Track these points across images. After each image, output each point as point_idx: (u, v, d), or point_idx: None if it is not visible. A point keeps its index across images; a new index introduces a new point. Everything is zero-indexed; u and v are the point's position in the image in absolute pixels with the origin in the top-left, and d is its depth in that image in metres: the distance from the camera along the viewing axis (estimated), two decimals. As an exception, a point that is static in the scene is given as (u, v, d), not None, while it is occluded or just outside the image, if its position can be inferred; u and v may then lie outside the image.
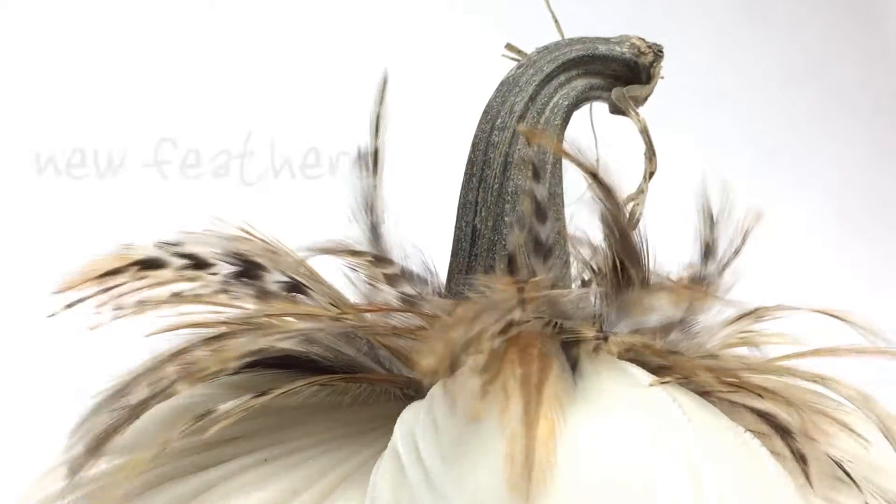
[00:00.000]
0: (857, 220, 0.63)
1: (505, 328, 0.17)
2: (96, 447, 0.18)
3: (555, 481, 0.15)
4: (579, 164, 0.19)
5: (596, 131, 0.24)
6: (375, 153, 0.23)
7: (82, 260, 0.18)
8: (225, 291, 0.19)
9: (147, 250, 0.19)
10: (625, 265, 0.20)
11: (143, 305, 0.19)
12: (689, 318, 0.21)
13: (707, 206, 0.22)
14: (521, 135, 0.21)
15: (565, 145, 0.20)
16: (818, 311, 0.22)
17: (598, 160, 0.20)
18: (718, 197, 0.22)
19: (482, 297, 0.18)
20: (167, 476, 0.19)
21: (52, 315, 0.19)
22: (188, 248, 0.19)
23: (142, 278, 0.19)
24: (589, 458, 0.16)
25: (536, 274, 0.20)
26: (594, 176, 0.19)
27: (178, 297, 0.19)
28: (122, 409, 0.18)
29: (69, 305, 0.19)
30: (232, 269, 0.19)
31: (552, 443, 0.16)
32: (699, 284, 0.21)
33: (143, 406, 0.18)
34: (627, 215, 0.20)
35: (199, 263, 0.19)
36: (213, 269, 0.19)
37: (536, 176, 0.20)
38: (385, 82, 0.23)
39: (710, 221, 0.22)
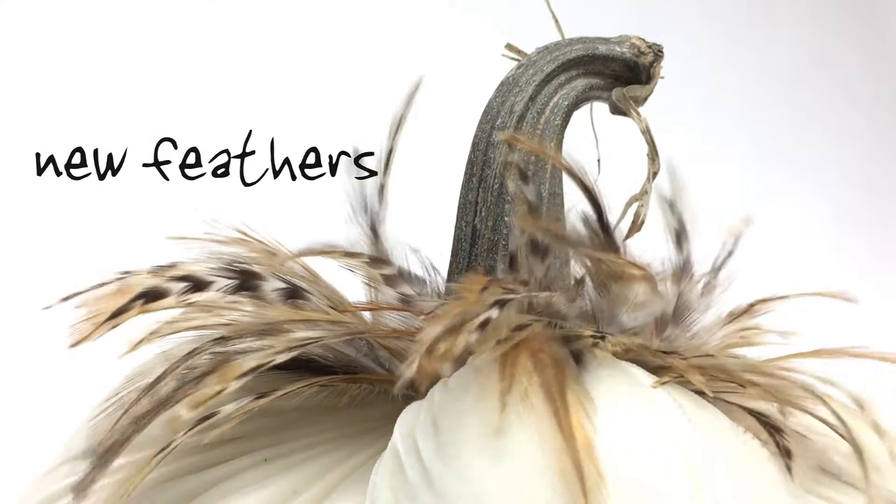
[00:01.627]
0: (858, 217, 0.63)
1: (483, 324, 0.17)
2: (102, 463, 0.18)
3: (608, 490, 0.15)
4: (562, 165, 0.19)
5: (597, 131, 0.24)
6: (389, 153, 0.23)
7: (83, 301, 0.18)
8: (226, 308, 0.20)
9: (144, 280, 0.19)
10: (603, 262, 0.19)
11: (155, 333, 0.19)
12: (680, 311, 0.21)
13: (663, 194, 0.22)
14: (504, 142, 0.21)
15: (546, 147, 0.20)
16: (808, 295, 0.22)
17: (598, 160, 0.19)
18: (669, 182, 0.22)
19: (454, 299, 0.18)
20: (167, 476, 0.19)
21: (70, 343, 0.19)
22: (184, 270, 0.19)
23: (147, 312, 0.19)
24: (626, 461, 0.16)
25: (534, 273, 0.20)
26: (573, 175, 0.19)
27: (186, 317, 0.19)
28: (126, 423, 0.18)
29: (66, 298, 0.19)
30: (229, 282, 0.19)
31: (595, 453, 0.16)
32: (681, 274, 0.21)
33: (146, 418, 0.18)
34: (605, 215, 0.20)
35: (197, 285, 0.19)
36: (211, 288, 0.19)
37: (524, 178, 0.20)
38: (418, 86, 0.23)
39: (670, 207, 0.22)
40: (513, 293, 0.18)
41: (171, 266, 0.19)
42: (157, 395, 0.18)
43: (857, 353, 0.20)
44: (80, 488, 0.18)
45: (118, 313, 0.18)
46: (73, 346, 0.18)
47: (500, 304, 0.17)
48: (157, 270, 0.19)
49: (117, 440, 0.18)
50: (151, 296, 0.19)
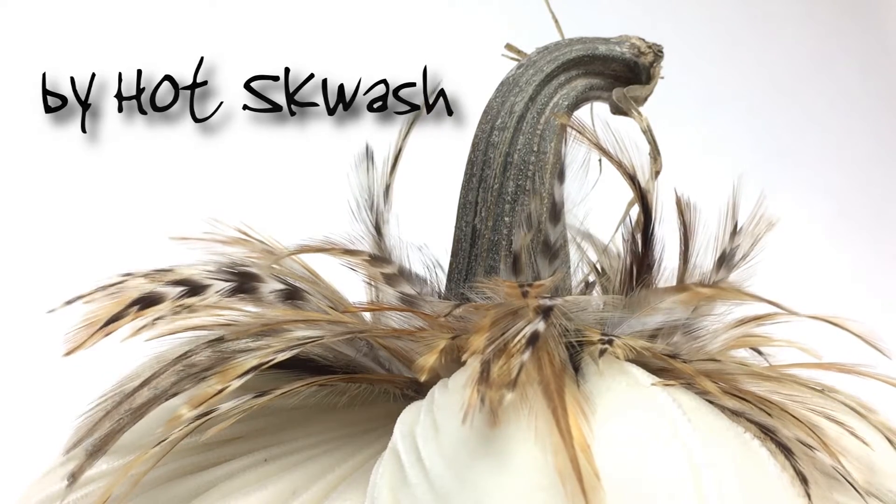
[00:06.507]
0: (859, 220, 0.63)
1: (532, 338, 0.17)
2: (97, 451, 0.18)
3: (605, 489, 0.15)
4: (619, 165, 0.19)
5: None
6: (398, 154, 0.23)
7: (80, 310, 0.18)
8: (224, 307, 0.20)
9: (141, 286, 0.19)
10: (640, 267, 0.19)
11: (151, 332, 0.19)
12: (693, 320, 0.21)
13: (733, 216, 0.22)
14: (562, 126, 0.21)
15: (605, 143, 0.20)
16: (817, 318, 0.22)
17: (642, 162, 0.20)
18: (748, 207, 0.22)
19: (491, 302, 0.18)
20: (167, 476, 0.19)
21: (54, 312, 0.19)
22: (181, 274, 0.19)
23: (142, 317, 0.19)
24: (624, 460, 0.16)
25: (540, 275, 0.20)
26: (632, 178, 0.19)
27: (181, 315, 0.19)
28: (124, 413, 0.18)
29: (69, 302, 0.19)
30: (226, 285, 0.19)
31: (591, 452, 0.16)
32: (710, 286, 0.21)
33: (144, 408, 0.18)
34: (656, 218, 0.20)
35: (194, 289, 0.19)
36: (208, 291, 0.19)
37: (561, 176, 0.20)
38: (442, 93, 0.23)
39: (733, 231, 0.22)
40: (552, 298, 0.18)
41: (168, 270, 0.19)
42: (156, 387, 0.18)
43: (864, 372, 0.20)
44: (75, 474, 0.18)
45: (113, 320, 0.18)
46: (67, 354, 0.18)
47: (545, 312, 0.17)
48: (154, 275, 0.19)
49: (114, 428, 0.18)
50: (147, 301, 0.19)
